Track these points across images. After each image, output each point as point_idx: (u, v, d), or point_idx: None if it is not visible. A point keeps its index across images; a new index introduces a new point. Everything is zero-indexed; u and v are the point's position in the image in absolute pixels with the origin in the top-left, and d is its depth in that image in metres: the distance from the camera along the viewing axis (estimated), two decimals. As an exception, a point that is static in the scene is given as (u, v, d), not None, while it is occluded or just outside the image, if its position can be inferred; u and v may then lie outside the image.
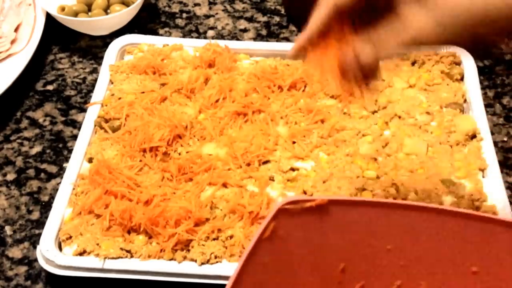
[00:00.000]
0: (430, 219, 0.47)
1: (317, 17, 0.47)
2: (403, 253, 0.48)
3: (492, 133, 0.74)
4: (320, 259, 0.49)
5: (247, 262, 0.43)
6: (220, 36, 0.91)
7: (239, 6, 0.96)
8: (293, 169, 0.69)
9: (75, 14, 0.89)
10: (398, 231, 0.48)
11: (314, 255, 0.48)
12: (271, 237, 0.45)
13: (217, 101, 0.75)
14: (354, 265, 0.49)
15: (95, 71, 0.86)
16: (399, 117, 0.73)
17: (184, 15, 0.95)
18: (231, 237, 0.63)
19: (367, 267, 0.49)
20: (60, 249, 0.63)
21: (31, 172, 0.74)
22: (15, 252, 0.67)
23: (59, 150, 0.77)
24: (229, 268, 0.61)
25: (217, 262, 0.61)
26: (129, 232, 0.63)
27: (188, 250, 0.62)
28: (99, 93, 0.77)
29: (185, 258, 0.61)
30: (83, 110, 0.80)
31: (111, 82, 0.79)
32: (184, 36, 0.91)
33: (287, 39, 0.90)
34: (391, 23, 0.45)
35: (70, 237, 0.63)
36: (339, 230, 0.48)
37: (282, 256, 0.47)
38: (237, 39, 0.90)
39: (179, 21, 0.94)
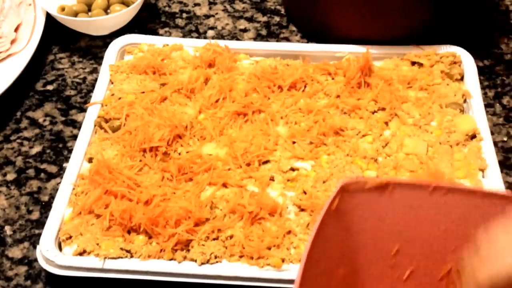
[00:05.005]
0: (485, 203, 0.48)
1: None
2: (455, 236, 0.49)
3: (492, 133, 0.74)
4: (377, 239, 0.51)
5: (319, 232, 0.46)
6: (220, 36, 0.91)
7: (239, 6, 0.96)
8: (293, 169, 0.69)
9: (75, 14, 0.89)
10: (453, 214, 0.49)
11: (372, 233, 0.50)
12: (336, 211, 0.48)
13: (217, 101, 0.75)
14: (407, 248, 0.50)
15: (95, 71, 0.86)
16: (399, 117, 0.73)
17: (184, 15, 0.95)
18: (231, 237, 0.63)
19: (419, 250, 0.51)
20: (60, 249, 0.63)
21: (31, 172, 0.74)
22: (15, 252, 0.67)
23: (59, 150, 0.77)
24: (229, 268, 0.61)
25: (217, 262, 0.61)
26: (129, 232, 0.63)
27: (188, 250, 0.62)
28: (99, 93, 0.77)
29: (185, 258, 0.61)
30: (83, 110, 0.80)
31: (111, 82, 0.79)
32: (184, 36, 0.91)
33: (287, 39, 0.90)
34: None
35: (70, 237, 0.63)
36: (397, 211, 0.50)
37: (344, 231, 0.49)
38: (237, 39, 0.90)
39: (179, 21, 0.94)
